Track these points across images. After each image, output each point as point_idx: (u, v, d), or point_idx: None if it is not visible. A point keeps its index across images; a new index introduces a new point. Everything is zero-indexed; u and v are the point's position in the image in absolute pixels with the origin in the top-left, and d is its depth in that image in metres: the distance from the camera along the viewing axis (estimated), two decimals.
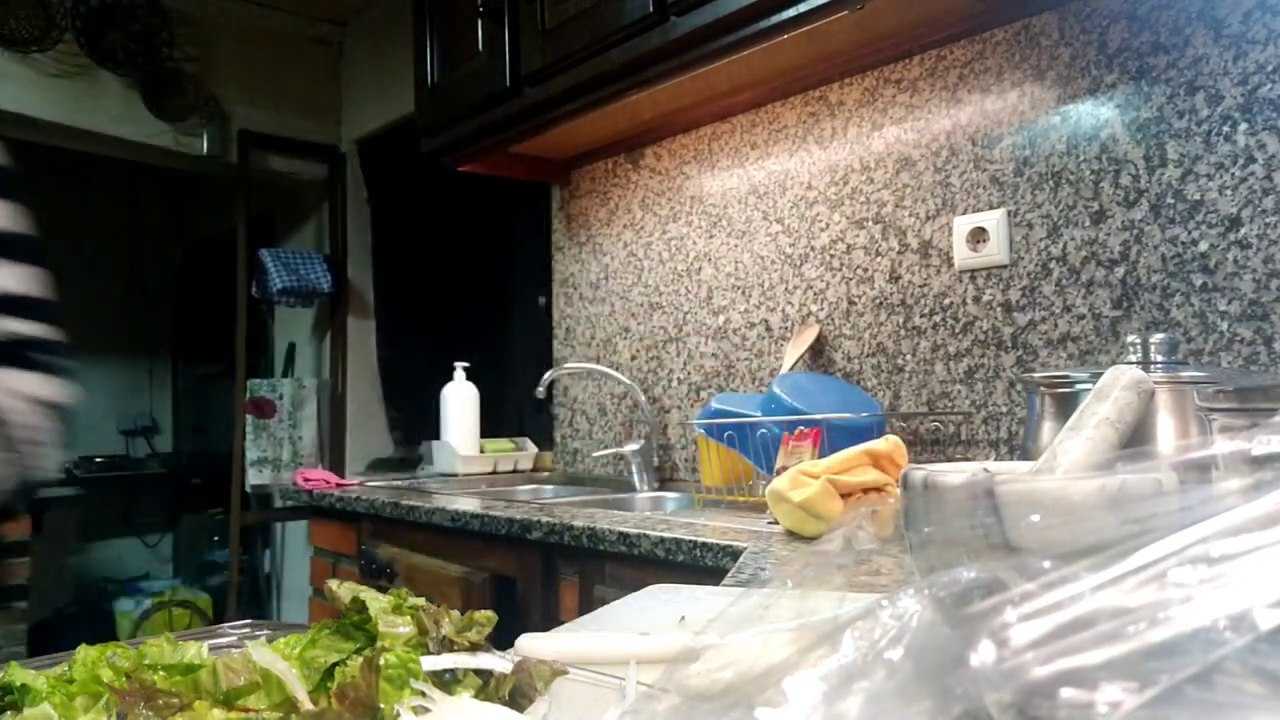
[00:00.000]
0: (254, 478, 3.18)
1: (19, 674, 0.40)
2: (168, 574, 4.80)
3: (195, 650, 0.41)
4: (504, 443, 2.48)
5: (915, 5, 1.51)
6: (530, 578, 1.48)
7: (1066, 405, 1.01)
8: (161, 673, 0.40)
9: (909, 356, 1.65)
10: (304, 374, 3.55)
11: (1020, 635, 0.25)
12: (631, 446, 2.06)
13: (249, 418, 3.18)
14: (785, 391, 1.52)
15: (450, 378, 2.41)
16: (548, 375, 2.17)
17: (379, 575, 1.79)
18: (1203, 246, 1.29)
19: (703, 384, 2.05)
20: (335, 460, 3.32)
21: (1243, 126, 1.26)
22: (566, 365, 2.32)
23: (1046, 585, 0.27)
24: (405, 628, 0.43)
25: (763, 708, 0.29)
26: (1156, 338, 0.99)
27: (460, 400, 2.38)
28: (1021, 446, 1.27)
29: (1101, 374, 0.75)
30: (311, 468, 2.91)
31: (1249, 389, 0.57)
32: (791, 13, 1.41)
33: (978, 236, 1.54)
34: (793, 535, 1.07)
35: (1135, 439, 0.70)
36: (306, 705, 0.39)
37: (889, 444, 1.10)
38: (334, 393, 3.34)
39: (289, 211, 3.69)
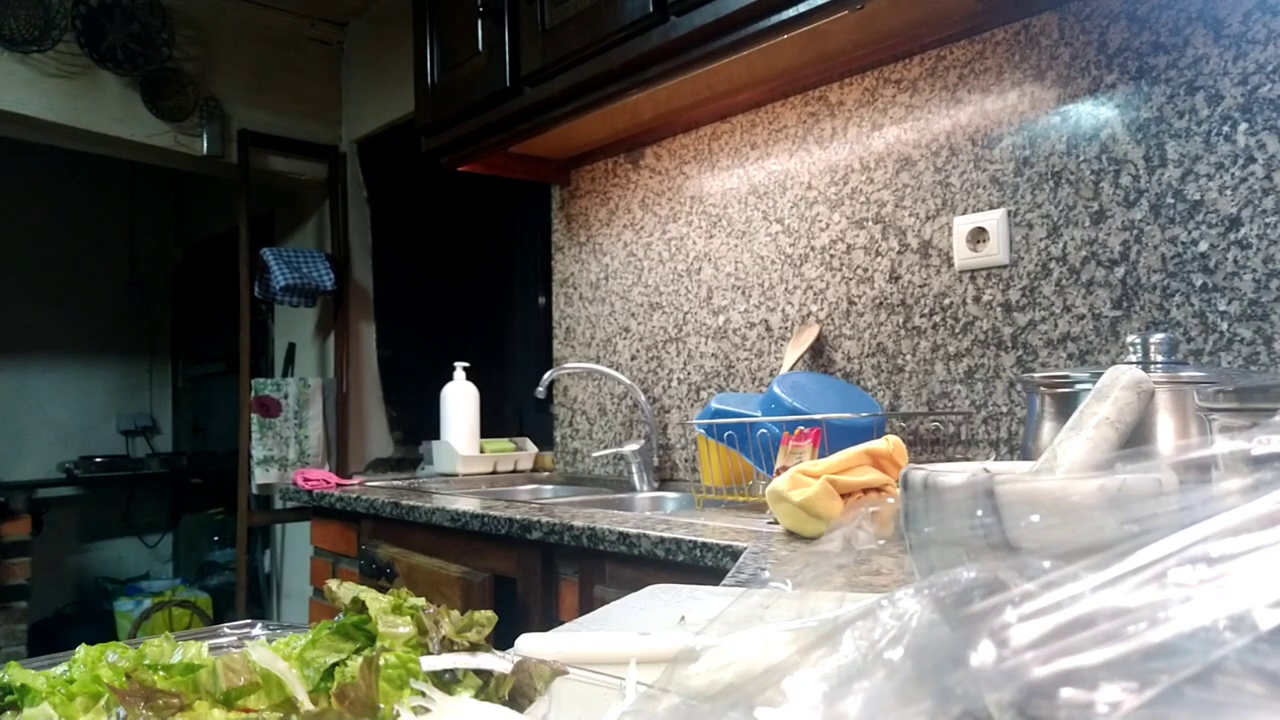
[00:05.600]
0: (260, 477, 3.18)
1: (19, 674, 0.40)
2: (168, 574, 4.81)
3: (195, 650, 0.41)
4: (504, 443, 2.48)
5: (915, 5, 1.51)
6: (530, 578, 1.48)
7: (1066, 405, 1.01)
8: (161, 673, 0.40)
9: (909, 356, 1.65)
10: (306, 373, 3.55)
11: (1020, 635, 0.25)
12: (631, 446, 2.06)
13: (254, 417, 3.18)
14: (785, 391, 1.52)
15: (450, 378, 2.41)
16: (548, 375, 2.17)
17: (379, 575, 1.79)
18: (1203, 246, 1.29)
19: (703, 384, 2.05)
20: (341, 459, 3.32)
21: (1243, 126, 1.26)
22: (566, 365, 2.32)
23: (1046, 585, 0.27)
24: (405, 628, 0.43)
25: (763, 708, 0.29)
26: (1156, 338, 0.99)
27: (460, 400, 2.38)
28: (1021, 446, 1.27)
29: (1101, 374, 0.75)
30: (318, 467, 2.91)
31: (1249, 389, 0.57)
32: (791, 13, 1.41)
33: (978, 236, 1.54)
34: (793, 535, 1.07)
35: (1135, 439, 0.70)
36: (306, 705, 0.39)
37: (889, 444, 1.09)
38: (339, 391, 3.34)
39: (289, 211, 3.69)
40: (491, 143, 2.08)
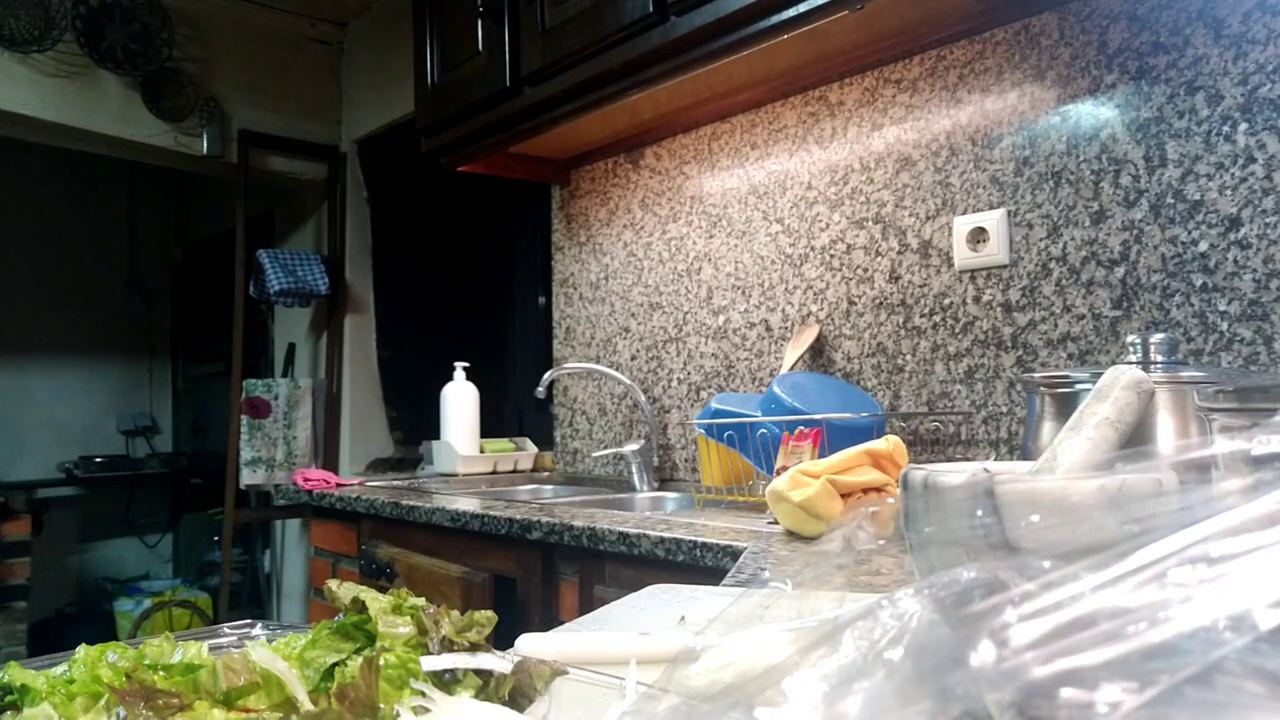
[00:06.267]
0: (247, 477, 3.18)
1: (19, 674, 0.40)
2: (168, 574, 4.80)
3: (195, 650, 0.41)
4: (504, 443, 2.48)
5: (915, 5, 1.51)
6: (530, 578, 1.48)
7: (1066, 405, 1.01)
8: (161, 673, 0.40)
9: (909, 356, 1.65)
10: (303, 374, 3.55)
11: (1020, 635, 0.25)
12: (631, 446, 2.06)
13: (244, 418, 3.18)
14: (785, 391, 1.52)
15: (450, 378, 2.41)
16: (548, 375, 2.17)
17: (379, 575, 1.79)
18: (1203, 246, 1.29)
19: (703, 384, 2.05)
20: (329, 460, 3.32)
21: (1243, 126, 1.26)
22: (566, 365, 2.32)
23: (1046, 585, 0.27)
24: (405, 628, 0.43)
25: (763, 708, 0.29)
26: (1156, 338, 0.99)
27: (460, 400, 2.38)
28: (1021, 446, 1.27)
29: (1101, 374, 0.75)
30: (306, 468, 2.91)
31: (1249, 389, 0.57)
32: (791, 13, 1.41)
33: (978, 236, 1.54)
34: (793, 535, 1.07)
35: (1135, 439, 0.70)
36: (306, 705, 0.39)
37: (889, 444, 1.09)
38: (329, 393, 3.34)
39: (289, 211, 3.69)
40: (491, 143, 2.08)
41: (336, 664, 0.42)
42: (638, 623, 0.65)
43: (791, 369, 1.74)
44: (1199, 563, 0.26)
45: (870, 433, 1.42)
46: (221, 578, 3.29)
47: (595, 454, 2.30)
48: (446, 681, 0.42)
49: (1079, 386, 1.02)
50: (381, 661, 0.39)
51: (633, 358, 2.23)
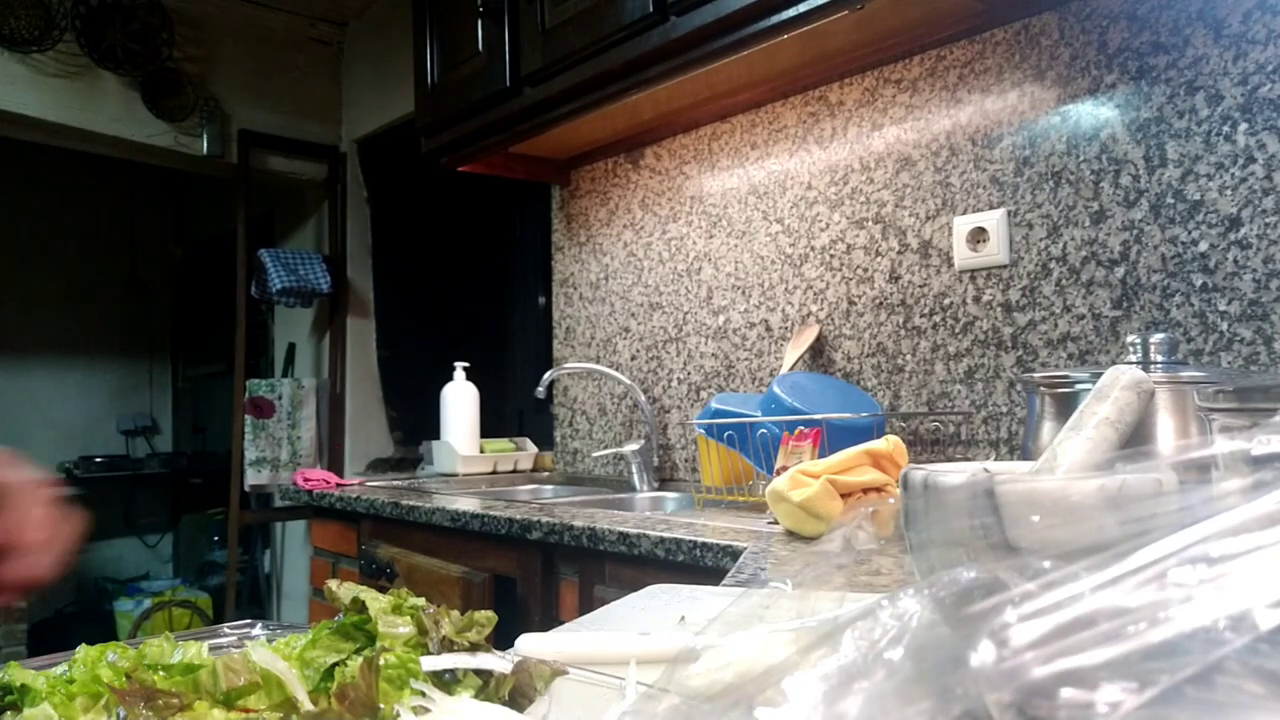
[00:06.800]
0: (252, 478, 3.18)
1: (19, 674, 0.40)
2: (168, 574, 4.81)
3: (195, 650, 0.41)
4: (504, 443, 2.48)
5: (915, 5, 1.51)
6: (530, 578, 1.48)
7: (1066, 405, 1.01)
8: (161, 673, 0.40)
9: (909, 356, 1.65)
10: (304, 374, 3.55)
11: (1020, 635, 0.25)
12: (631, 446, 2.06)
13: (248, 418, 3.18)
14: (785, 391, 1.52)
15: (450, 378, 2.41)
16: (548, 375, 2.17)
17: (379, 575, 1.79)
18: (1203, 246, 1.29)
19: (703, 384, 2.05)
20: (334, 460, 3.32)
21: (1243, 126, 1.26)
22: (566, 365, 2.32)
23: (1046, 585, 0.27)
24: (405, 628, 0.43)
25: (763, 708, 0.29)
26: (1156, 338, 0.99)
27: (460, 400, 2.38)
28: (1021, 446, 1.27)
29: (1101, 374, 0.75)
30: (310, 468, 2.91)
31: (1249, 389, 0.57)
32: (791, 13, 1.41)
33: (978, 236, 1.54)
34: (793, 535, 1.07)
35: (1135, 439, 0.70)
36: (306, 705, 0.39)
37: (889, 444, 1.09)
38: (332, 393, 3.34)
39: (289, 211, 3.69)
40: (491, 143, 2.08)
41: (336, 664, 0.42)
42: (638, 623, 0.65)
43: (791, 369, 1.74)
44: (1199, 563, 0.26)
45: (870, 433, 1.42)
46: (226, 578, 3.29)
47: (595, 454, 2.30)
48: (446, 681, 0.42)
49: (1079, 386, 1.02)
50: (381, 661, 0.39)
51: (633, 358, 2.23)
